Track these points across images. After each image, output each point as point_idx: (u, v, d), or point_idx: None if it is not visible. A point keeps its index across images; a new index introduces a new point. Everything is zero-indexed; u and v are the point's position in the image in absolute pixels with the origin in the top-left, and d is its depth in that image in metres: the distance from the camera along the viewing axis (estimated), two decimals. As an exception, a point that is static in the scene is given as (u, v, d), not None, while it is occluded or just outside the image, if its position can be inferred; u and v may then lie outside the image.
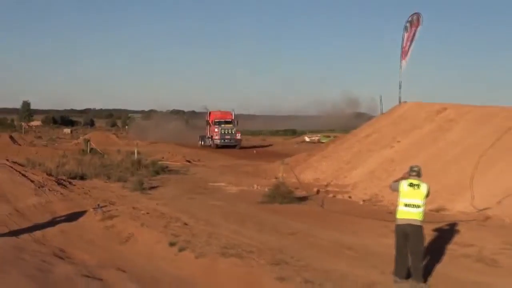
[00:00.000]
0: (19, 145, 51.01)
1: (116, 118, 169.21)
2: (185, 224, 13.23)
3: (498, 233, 12.19)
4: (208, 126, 55.21)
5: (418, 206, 8.52)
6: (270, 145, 62.98)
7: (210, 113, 55.96)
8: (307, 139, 59.91)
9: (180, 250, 10.53)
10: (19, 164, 22.84)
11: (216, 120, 53.47)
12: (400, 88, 25.16)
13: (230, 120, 54.29)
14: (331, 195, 18.70)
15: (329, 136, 49.95)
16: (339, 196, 18.48)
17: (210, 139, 53.77)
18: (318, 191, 19.19)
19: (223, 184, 22.29)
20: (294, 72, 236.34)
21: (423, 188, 8.51)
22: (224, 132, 52.07)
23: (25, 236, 12.00)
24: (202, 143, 55.48)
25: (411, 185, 8.57)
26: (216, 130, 52.55)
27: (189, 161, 34.71)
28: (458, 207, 15.01)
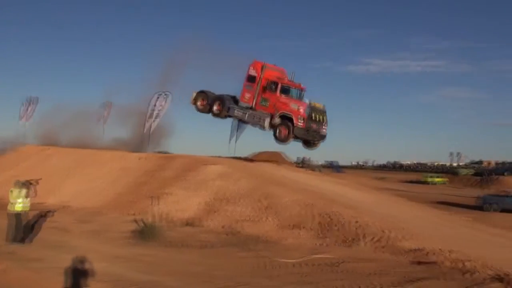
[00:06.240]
0: None
1: None
2: None
3: (71, 215, 19.07)
4: (260, 91, 24.45)
5: (17, 203, 13.27)
6: None
7: (256, 64, 24.99)
8: None
9: None
10: None
11: (284, 86, 24.17)
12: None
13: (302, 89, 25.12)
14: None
15: None
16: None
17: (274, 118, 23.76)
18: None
19: None
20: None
21: (17, 192, 13.31)
22: (314, 117, 23.51)
23: None
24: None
25: (11, 191, 13.41)
26: (297, 107, 23.41)
27: None
28: (52, 201, 21.72)
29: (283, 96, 23.67)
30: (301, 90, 24.55)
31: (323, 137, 24.52)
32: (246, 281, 10.15)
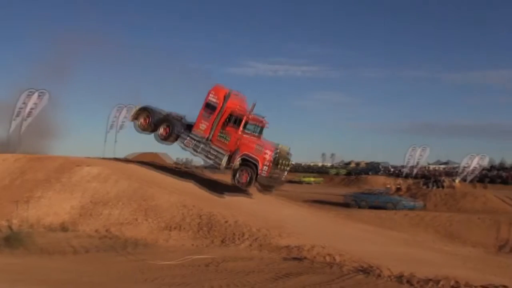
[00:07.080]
0: None
1: None
2: None
3: None
4: (221, 123, 20.75)
5: None
6: None
7: (219, 90, 21.15)
8: None
9: None
10: None
11: (249, 122, 20.72)
12: None
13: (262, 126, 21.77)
14: None
15: None
16: None
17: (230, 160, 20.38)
18: None
19: None
20: None
21: None
22: (280, 163, 20.40)
23: None
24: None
25: None
26: (263, 150, 20.02)
27: None
28: None
29: (247, 134, 20.42)
30: (264, 125, 21.47)
31: (283, 183, 22.46)
32: (122, 286, 9.77)
